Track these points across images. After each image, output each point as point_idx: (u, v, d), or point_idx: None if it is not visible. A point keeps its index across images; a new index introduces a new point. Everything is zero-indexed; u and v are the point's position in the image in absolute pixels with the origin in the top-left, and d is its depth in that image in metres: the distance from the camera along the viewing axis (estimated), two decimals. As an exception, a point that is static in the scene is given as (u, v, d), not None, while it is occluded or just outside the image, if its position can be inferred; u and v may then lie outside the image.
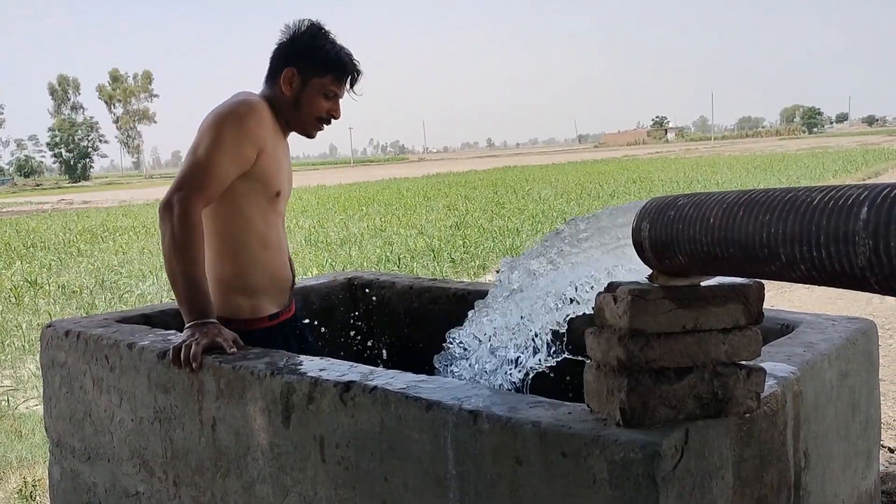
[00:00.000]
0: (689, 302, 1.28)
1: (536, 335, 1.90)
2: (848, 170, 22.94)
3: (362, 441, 1.58)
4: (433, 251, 9.93)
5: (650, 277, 1.34)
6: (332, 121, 2.35)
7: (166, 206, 2.06)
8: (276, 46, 2.31)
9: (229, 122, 2.15)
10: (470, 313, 2.11)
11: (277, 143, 2.28)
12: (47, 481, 2.54)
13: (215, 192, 2.13)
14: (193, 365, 1.87)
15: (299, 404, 1.69)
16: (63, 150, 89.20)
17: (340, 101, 2.34)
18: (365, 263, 9.27)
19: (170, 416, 1.98)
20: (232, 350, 1.91)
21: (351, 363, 1.79)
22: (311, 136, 2.37)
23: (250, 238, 2.26)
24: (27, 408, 4.59)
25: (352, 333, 3.13)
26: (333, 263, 9.37)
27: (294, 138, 2.41)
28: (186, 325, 1.99)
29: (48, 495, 2.55)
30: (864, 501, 1.92)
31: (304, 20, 2.31)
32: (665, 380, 1.28)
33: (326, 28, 2.31)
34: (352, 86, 2.35)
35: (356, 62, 2.34)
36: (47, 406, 2.42)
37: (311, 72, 2.27)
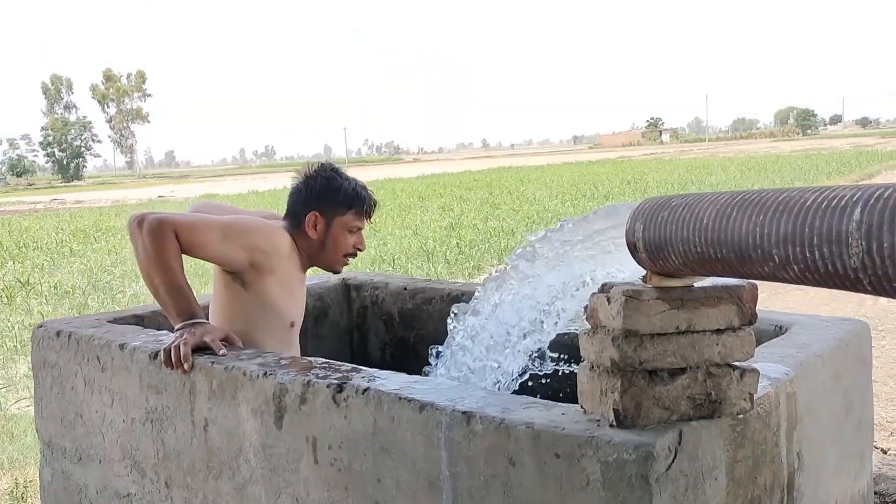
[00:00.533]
0: (683, 303, 1.28)
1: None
2: (841, 171, 23.00)
3: (355, 442, 1.57)
4: (427, 252, 9.93)
5: (644, 278, 1.34)
6: (358, 253, 2.40)
7: (137, 221, 2.04)
8: (293, 190, 2.37)
9: (244, 219, 2.28)
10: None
11: (292, 274, 2.31)
12: (38, 482, 2.52)
13: (189, 242, 2.07)
14: (185, 366, 1.87)
15: (292, 405, 1.68)
16: (56, 150, 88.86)
17: (363, 232, 2.39)
18: (359, 264, 9.25)
19: (161, 416, 1.97)
20: (221, 352, 1.90)
21: (344, 364, 1.78)
22: (337, 272, 2.45)
23: None
24: (18, 408, 4.57)
25: (345, 334, 3.12)
26: (327, 264, 9.34)
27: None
28: (176, 328, 1.99)
29: (39, 496, 2.53)
30: (857, 502, 1.92)
31: (315, 163, 2.40)
32: (658, 381, 1.28)
33: (337, 165, 2.40)
34: (369, 217, 2.39)
35: (371, 192, 2.40)
36: (38, 407, 2.41)
37: (333, 212, 2.32)
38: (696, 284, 1.32)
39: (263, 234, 2.23)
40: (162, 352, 1.93)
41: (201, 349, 1.92)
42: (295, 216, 2.33)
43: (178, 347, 1.90)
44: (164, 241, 2.01)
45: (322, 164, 2.39)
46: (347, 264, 2.40)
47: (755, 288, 1.33)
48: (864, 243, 0.89)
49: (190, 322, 1.98)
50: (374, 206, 2.39)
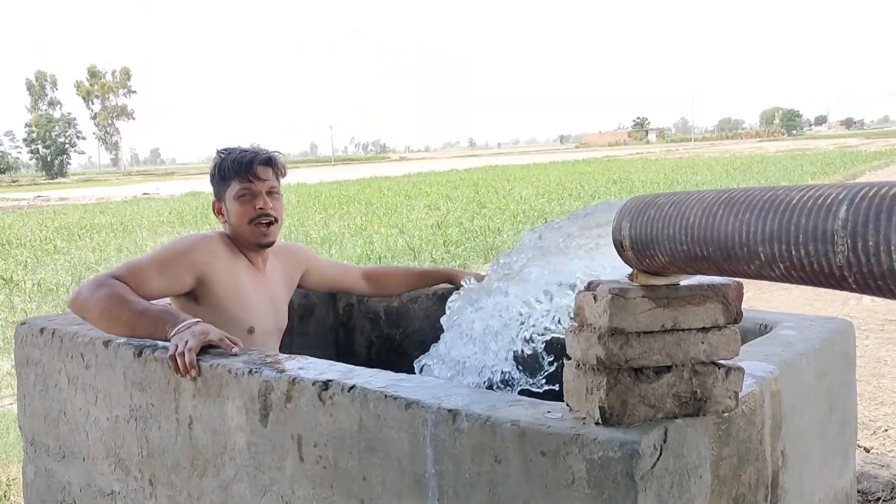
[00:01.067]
0: (669, 301, 1.28)
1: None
2: (826, 172, 23.17)
3: (341, 440, 1.57)
4: (414, 250, 9.92)
5: (630, 276, 1.34)
6: (269, 216, 2.27)
7: (75, 294, 2.05)
8: None
9: (174, 244, 2.25)
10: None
11: (240, 274, 2.27)
12: (21, 480, 2.50)
13: (133, 285, 2.05)
14: (193, 373, 1.80)
15: (277, 403, 1.68)
16: (40, 147, 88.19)
17: (266, 193, 2.28)
18: (345, 262, 9.23)
19: (146, 414, 1.95)
20: (234, 350, 1.84)
21: (329, 362, 1.78)
22: (262, 244, 2.31)
23: None
24: (2, 406, 4.54)
25: (331, 332, 3.11)
26: (314, 262, 9.30)
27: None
28: (171, 335, 1.89)
29: (22, 494, 2.51)
30: (840, 500, 1.94)
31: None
32: (644, 378, 1.28)
33: (229, 147, 2.36)
34: (255, 175, 2.26)
35: (251, 152, 2.29)
36: (21, 405, 2.39)
37: (223, 191, 2.31)
38: (682, 283, 1.32)
39: (197, 245, 2.22)
40: (168, 359, 1.84)
41: (210, 348, 1.85)
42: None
43: (182, 354, 1.81)
44: (111, 285, 2.01)
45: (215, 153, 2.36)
46: (266, 233, 2.28)
47: (741, 286, 1.34)
48: (849, 241, 0.89)
49: (185, 324, 1.89)
50: (254, 161, 2.26)
